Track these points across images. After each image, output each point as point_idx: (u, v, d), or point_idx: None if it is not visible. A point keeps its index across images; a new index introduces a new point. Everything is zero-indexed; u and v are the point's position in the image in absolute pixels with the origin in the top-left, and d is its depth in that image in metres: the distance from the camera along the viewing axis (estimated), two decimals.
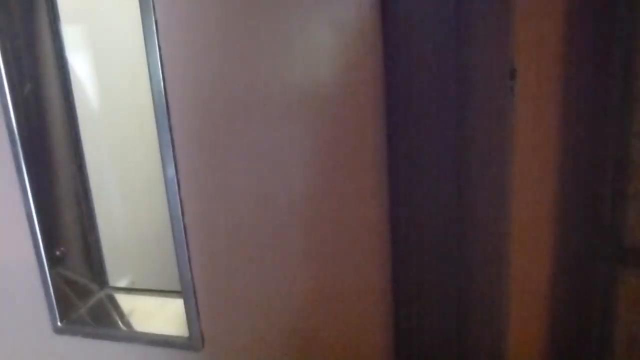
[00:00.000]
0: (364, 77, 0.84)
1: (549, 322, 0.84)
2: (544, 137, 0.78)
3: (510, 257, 0.83)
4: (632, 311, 0.70)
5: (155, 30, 0.91)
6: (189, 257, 1.02)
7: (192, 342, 1.08)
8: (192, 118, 0.94)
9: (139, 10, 0.92)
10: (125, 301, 1.36)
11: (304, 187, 0.92)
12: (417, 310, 0.93)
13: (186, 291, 1.05)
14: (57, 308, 1.23)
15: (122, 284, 1.41)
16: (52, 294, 1.22)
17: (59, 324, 1.23)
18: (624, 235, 0.68)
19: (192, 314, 1.06)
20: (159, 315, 1.30)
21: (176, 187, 0.98)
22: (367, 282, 0.94)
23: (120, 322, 1.31)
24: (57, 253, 1.24)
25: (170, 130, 0.95)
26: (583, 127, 0.76)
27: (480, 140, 0.80)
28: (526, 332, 0.87)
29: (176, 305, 1.25)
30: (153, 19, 0.91)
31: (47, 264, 1.21)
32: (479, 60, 0.78)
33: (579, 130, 0.77)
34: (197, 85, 0.92)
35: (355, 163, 0.89)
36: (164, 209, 1.07)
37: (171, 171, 0.98)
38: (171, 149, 0.96)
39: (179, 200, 0.99)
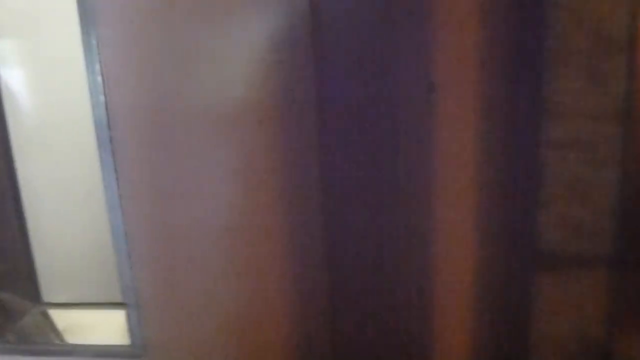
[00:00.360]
0: (297, 89, 0.89)
1: (472, 322, 0.90)
2: (464, 147, 0.83)
3: (434, 262, 0.89)
4: (547, 312, 0.76)
5: (96, 46, 0.92)
6: (130, 266, 1.02)
7: (134, 350, 1.08)
8: (132, 131, 0.96)
9: (79, 25, 0.94)
10: (62, 316, 1.35)
11: (242, 196, 0.95)
12: (350, 310, 0.97)
13: (128, 300, 1.05)
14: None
15: (61, 299, 1.39)
16: None
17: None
18: (536, 239, 0.74)
19: (134, 322, 1.07)
20: (100, 327, 1.31)
21: (117, 199, 0.99)
22: (304, 285, 0.98)
23: (56, 338, 1.30)
24: None
25: (111, 141, 0.96)
26: (499, 137, 0.82)
27: (405, 150, 0.85)
28: (450, 332, 0.92)
29: (116, 317, 1.26)
30: (94, 35, 0.92)
31: None
32: (401, 75, 0.83)
33: (496, 140, 0.82)
34: (137, 99, 0.94)
35: (291, 171, 0.92)
36: (101, 223, 1.07)
37: (112, 183, 0.98)
38: (112, 161, 0.97)
39: (120, 212, 1.00)
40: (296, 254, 0.96)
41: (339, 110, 0.87)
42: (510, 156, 0.81)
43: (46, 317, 1.36)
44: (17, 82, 1.27)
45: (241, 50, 0.88)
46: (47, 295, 1.39)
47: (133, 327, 1.07)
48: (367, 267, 0.93)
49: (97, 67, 0.93)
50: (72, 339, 1.30)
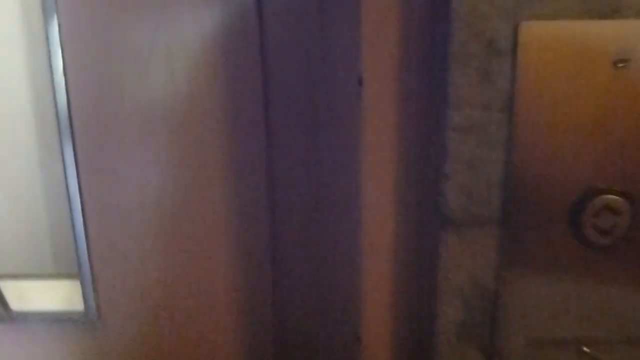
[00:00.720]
0: (243, 81, 0.99)
1: (393, 277, 1.07)
2: (386, 133, 0.98)
3: (363, 230, 1.04)
4: (450, 264, 0.92)
5: (58, 41, 1.00)
6: (87, 240, 1.12)
7: (88, 316, 1.17)
8: (90, 117, 1.04)
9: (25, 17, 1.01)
10: (9, 287, 1.36)
11: (188, 181, 1.06)
12: (290, 285, 1.09)
13: (82, 267, 1.14)
14: None
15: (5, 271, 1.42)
16: None
17: None
18: (443, 206, 0.90)
19: (88, 291, 1.15)
20: (47, 297, 1.32)
21: (76, 181, 1.08)
22: (249, 272, 1.10)
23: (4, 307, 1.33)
24: None
25: (71, 128, 1.04)
26: (414, 123, 0.98)
27: (340, 136, 0.99)
28: (375, 287, 1.08)
29: (63, 287, 1.29)
30: (56, 21, 0.99)
31: None
32: (336, 70, 0.96)
33: (412, 126, 0.98)
34: (96, 90, 1.02)
35: (236, 161, 1.03)
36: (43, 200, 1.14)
37: (72, 168, 1.07)
38: (72, 145, 1.05)
39: (78, 191, 1.08)
40: (239, 235, 1.08)
41: (283, 101, 0.99)
42: (422, 139, 0.98)
43: None
44: None
45: (189, 43, 0.98)
46: None
47: (87, 296, 1.16)
48: (308, 249, 1.07)
49: (60, 57, 1.01)
50: (22, 308, 1.33)
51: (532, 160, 0.86)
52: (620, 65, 0.83)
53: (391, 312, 1.09)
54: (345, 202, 1.03)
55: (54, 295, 1.33)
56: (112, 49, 1.00)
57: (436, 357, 0.96)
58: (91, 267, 1.14)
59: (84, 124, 1.04)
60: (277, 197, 1.05)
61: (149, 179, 1.06)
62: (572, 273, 0.92)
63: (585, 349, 0.95)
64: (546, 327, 0.94)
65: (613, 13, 0.80)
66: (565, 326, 0.95)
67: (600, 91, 0.84)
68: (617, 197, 0.88)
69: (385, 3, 0.93)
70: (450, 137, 0.86)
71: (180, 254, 1.11)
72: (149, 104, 1.02)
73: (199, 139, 1.03)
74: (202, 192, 1.06)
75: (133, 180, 1.07)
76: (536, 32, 0.82)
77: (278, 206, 1.05)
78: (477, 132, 0.85)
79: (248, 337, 1.14)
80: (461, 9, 0.80)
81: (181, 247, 1.10)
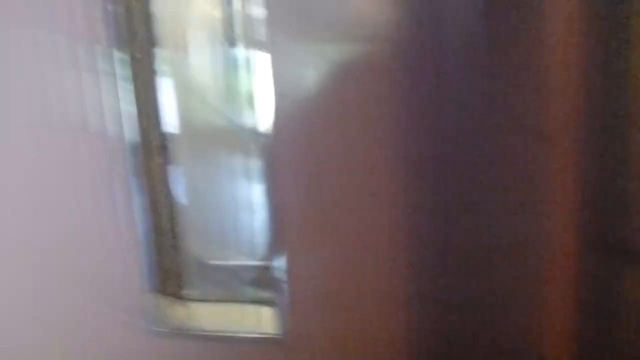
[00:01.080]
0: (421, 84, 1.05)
1: (575, 305, 1.06)
2: (568, 142, 0.99)
3: (539, 268, 1.05)
4: (634, 295, 0.96)
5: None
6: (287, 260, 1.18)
7: (286, 339, 1.24)
8: (294, 133, 1.11)
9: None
10: (201, 309, 1.51)
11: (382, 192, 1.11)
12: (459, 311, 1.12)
13: (280, 292, 1.23)
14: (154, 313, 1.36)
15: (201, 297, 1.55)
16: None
17: (156, 328, 1.36)
18: (626, 242, 0.94)
19: (285, 314, 1.24)
20: (242, 321, 1.45)
21: (278, 206, 1.17)
22: (419, 286, 1.14)
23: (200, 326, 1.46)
24: None
25: (277, 141, 1.13)
26: (596, 170, 0.99)
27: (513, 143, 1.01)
28: (556, 314, 1.07)
29: (256, 311, 1.42)
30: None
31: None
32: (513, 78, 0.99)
33: (594, 172, 0.99)
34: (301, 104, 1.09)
35: (406, 182, 1.09)
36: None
37: (274, 186, 1.17)
38: (278, 162, 1.14)
39: (279, 219, 1.18)
40: (413, 249, 1.11)
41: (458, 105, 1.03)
42: (604, 181, 1.00)
43: (190, 309, 1.52)
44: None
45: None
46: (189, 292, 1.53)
47: (284, 319, 1.24)
48: (477, 269, 1.09)
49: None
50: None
51: None
52: None
53: (573, 338, 1.08)
54: (527, 232, 1.04)
55: (246, 319, 1.44)
56: (306, 74, 1.08)
57: None
58: (287, 292, 1.21)
59: (284, 140, 1.12)
60: (451, 208, 1.08)
61: (348, 191, 1.11)
62: None
63: None
64: None
65: None
66: None
67: None
68: None
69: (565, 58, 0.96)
70: (630, 184, 0.92)
71: (362, 268, 1.15)
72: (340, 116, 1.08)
73: (378, 141, 1.08)
74: (379, 195, 1.10)
75: (336, 193, 1.12)
76: None
77: (451, 222, 1.09)
78: None
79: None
80: None
81: (363, 261, 1.14)
